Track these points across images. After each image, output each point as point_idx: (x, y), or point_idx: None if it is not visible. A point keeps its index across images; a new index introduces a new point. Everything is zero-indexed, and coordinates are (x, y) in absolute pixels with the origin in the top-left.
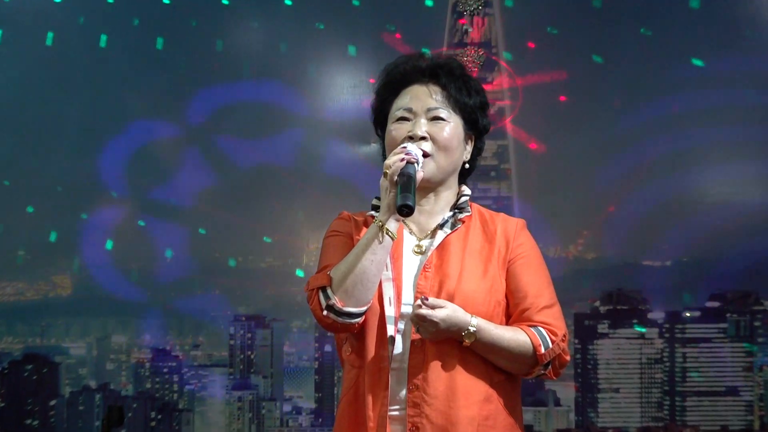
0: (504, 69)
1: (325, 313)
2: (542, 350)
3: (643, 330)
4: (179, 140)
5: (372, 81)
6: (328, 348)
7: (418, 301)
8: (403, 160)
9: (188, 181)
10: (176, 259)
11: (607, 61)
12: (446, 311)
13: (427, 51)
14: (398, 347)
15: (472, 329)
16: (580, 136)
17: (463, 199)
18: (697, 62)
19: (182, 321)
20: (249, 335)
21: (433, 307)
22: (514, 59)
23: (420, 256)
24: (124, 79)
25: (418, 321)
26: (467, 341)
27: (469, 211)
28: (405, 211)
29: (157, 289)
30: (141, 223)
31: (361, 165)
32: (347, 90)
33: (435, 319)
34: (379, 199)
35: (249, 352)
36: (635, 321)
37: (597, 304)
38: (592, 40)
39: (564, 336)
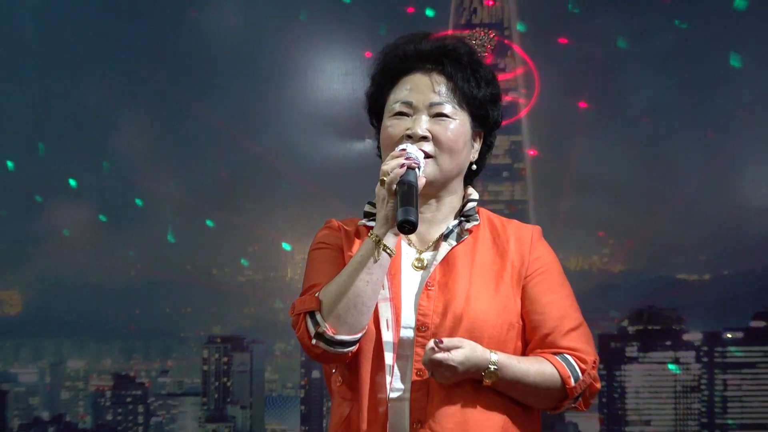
0: (518, 54)
1: (314, 341)
2: (572, 382)
3: (678, 354)
4: (148, 137)
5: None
6: (316, 374)
7: (430, 344)
8: (403, 165)
9: (153, 183)
10: (142, 272)
11: (635, 49)
12: (464, 352)
13: (431, 18)
14: (398, 378)
15: (492, 368)
16: (606, 131)
17: (470, 205)
18: (735, 61)
19: (148, 343)
20: (225, 359)
21: (448, 349)
22: (530, 43)
23: (421, 272)
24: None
25: (432, 366)
26: (488, 381)
27: (477, 219)
28: (407, 227)
29: (119, 306)
30: (102, 218)
31: (353, 163)
32: (338, 78)
33: (453, 363)
34: (372, 204)
35: (225, 379)
36: (669, 343)
37: (625, 323)
38: (618, 22)
39: (594, 362)
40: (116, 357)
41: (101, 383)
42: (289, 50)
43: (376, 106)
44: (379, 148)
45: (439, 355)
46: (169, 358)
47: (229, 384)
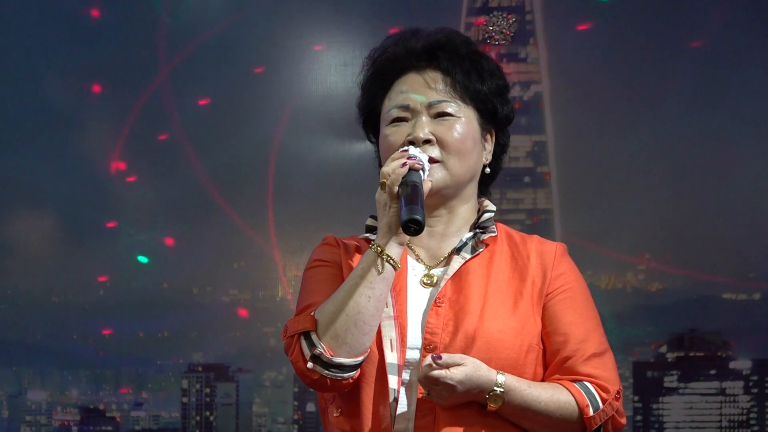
0: (542, 42)
1: (310, 365)
2: (590, 412)
3: (724, 384)
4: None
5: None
6: (311, 407)
7: (427, 359)
8: (404, 165)
9: (123, 190)
10: (112, 291)
11: (678, 33)
12: (465, 370)
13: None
14: (402, 404)
15: (498, 390)
16: (641, 131)
17: (486, 216)
18: None
19: (120, 372)
20: (207, 390)
21: (447, 366)
22: (555, 29)
23: (430, 289)
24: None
25: (429, 384)
26: (493, 405)
27: (494, 231)
28: (412, 228)
29: (86, 330)
30: (67, 230)
31: (353, 167)
32: (335, 69)
33: (451, 382)
34: (374, 218)
35: (207, 413)
36: (713, 372)
37: (663, 350)
38: (661, 5)
39: (618, 392)
40: (83, 388)
41: (66, 417)
42: (278, 38)
43: (371, 117)
44: (378, 165)
45: (437, 372)
46: (143, 389)
47: (212, 418)
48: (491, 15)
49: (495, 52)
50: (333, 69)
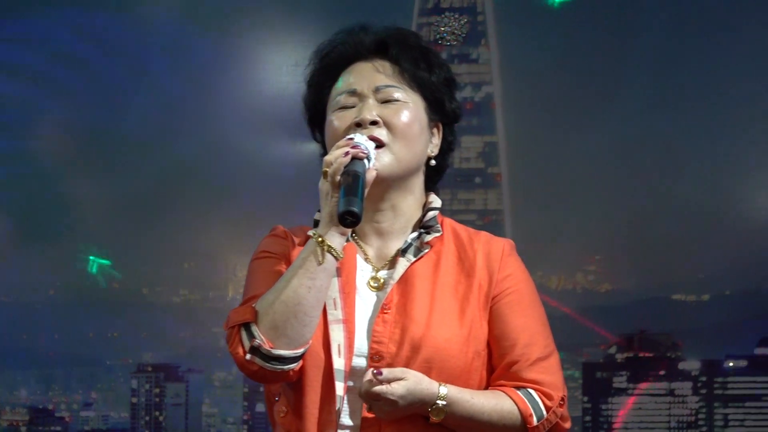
0: (493, 43)
1: (248, 357)
2: (534, 422)
3: (673, 385)
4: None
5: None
6: (260, 408)
7: (368, 375)
8: (347, 154)
9: (74, 189)
10: (62, 291)
11: (628, 34)
12: (406, 385)
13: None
14: (346, 412)
15: (440, 403)
16: (592, 132)
17: (431, 214)
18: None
19: (69, 372)
20: (157, 390)
21: (388, 381)
22: (506, 30)
23: (378, 293)
24: None
25: (370, 400)
26: (435, 418)
27: (438, 231)
28: (348, 219)
29: (35, 330)
30: (14, 228)
31: (304, 167)
32: (286, 70)
33: (392, 398)
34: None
35: (157, 413)
36: (662, 373)
37: (612, 350)
38: (610, 7)
39: (562, 399)
40: (32, 388)
41: (15, 418)
42: (228, 38)
43: (317, 113)
44: (323, 156)
45: (378, 388)
46: (93, 389)
47: (161, 418)
48: (443, 16)
49: (446, 53)
50: (284, 69)
